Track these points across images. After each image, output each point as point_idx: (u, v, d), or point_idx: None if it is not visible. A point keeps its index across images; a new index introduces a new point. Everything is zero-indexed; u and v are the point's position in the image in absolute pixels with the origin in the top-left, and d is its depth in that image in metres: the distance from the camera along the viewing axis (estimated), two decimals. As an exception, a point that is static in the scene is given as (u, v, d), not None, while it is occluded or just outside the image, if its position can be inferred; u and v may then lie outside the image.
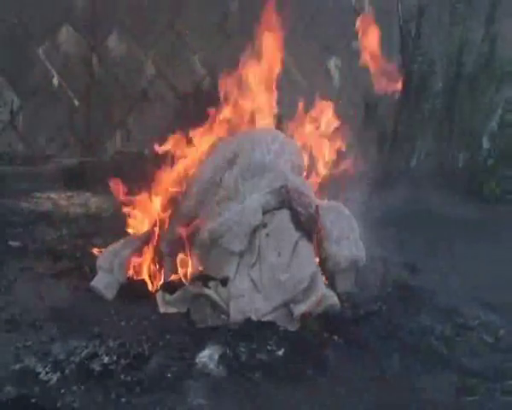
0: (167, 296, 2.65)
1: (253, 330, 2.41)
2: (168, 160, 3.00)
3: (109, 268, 2.80)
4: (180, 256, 2.72)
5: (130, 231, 3.06)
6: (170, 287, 2.68)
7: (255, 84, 3.11)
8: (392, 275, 3.13)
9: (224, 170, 2.79)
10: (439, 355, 2.39)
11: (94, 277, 2.83)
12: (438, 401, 2.08)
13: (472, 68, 5.85)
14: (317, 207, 2.84)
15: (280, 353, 2.29)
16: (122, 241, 2.96)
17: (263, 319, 2.49)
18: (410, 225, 4.38)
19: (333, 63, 6.87)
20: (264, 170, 2.77)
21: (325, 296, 2.61)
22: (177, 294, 2.64)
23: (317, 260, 2.77)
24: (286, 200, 2.75)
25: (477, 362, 2.35)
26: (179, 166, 3.00)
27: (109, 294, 2.73)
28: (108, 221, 4.23)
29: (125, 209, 3.04)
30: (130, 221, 3.05)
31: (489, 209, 5.07)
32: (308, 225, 2.74)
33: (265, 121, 3.13)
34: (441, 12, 6.17)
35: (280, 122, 3.30)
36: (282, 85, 3.22)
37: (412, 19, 6.19)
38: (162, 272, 2.83)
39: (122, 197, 2.97)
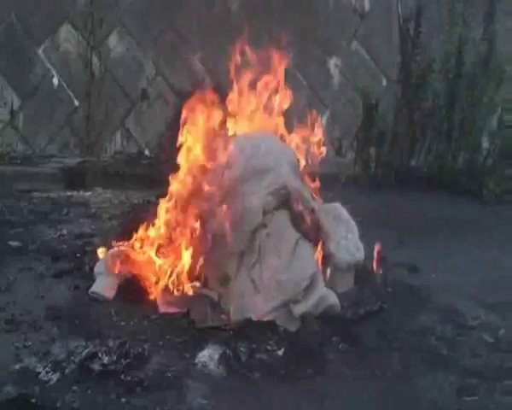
0: (167, 296, 2.65)
1: (253, 330, 2.41)
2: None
3: (105, 270, 2.80)
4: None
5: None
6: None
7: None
8: (392, 275, 3.13)
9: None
10: (439, 355, 2.39)
11: (93, 279, 2.83)
12: (438, 401, 2.08)
13: (471, 68, 5.84)
14: (316, 208, 2.83)
15: (280, 353, 2.29)
16: (116, 247, 2.95)
17: (263, 319, 2.49)
18: (409, 226, 4.38)
19: (333, 63, 6.87)
20: (263, 171, 2.77)
21: (325, 296, 2.61)
22: (177, 294, 2.64)
23: (317, 260, 2.77)
24: (286, 200, 2.74)
25: (477, 362, 2.34)
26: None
27: (109, 294, 2.73)
28: (108, 221, 4.23)
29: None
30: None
31: (489, 209, 5.06)
32: (307, 226, 2.74)
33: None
34: (441, 11, 6.17)
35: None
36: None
37: (412, 18, 6.18)
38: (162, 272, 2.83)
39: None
